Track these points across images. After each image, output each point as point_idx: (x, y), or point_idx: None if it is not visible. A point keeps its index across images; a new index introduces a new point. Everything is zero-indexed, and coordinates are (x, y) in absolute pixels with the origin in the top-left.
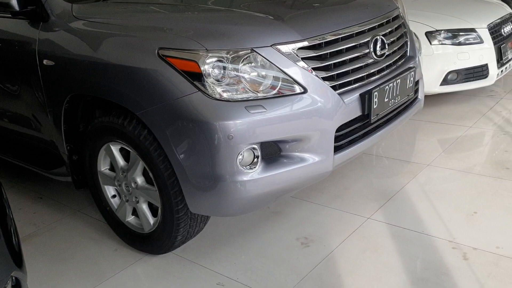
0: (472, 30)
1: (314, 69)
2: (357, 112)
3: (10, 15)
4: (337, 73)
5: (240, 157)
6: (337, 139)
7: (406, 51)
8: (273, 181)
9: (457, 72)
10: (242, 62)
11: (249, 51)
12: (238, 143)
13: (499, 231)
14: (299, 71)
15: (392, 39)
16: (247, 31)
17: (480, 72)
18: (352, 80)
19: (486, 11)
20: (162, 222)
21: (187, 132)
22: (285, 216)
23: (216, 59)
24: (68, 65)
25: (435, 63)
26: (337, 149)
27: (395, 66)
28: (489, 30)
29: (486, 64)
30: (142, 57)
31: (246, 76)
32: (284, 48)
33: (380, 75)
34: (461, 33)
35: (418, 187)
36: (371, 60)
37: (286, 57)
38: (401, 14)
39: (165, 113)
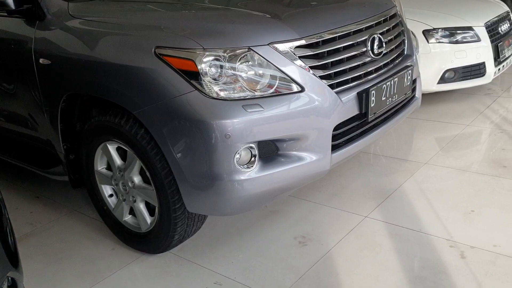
0: (470, 28)
1: (312, 67)
2: (354, 111)
3: (6, 14)
4: (334, 72)
5: (237, 156)
6: (334, 137)
7: (404, 49)
8: (270, 180)
9: (454, 70)
10: (239, 60)
11: (246, 49)
12: (235, 142)
13: (496, 229)
14: (296, 70)
15: (389, 38)
16: (244, 30)
17: (477, 70)
18: (349, 78)
19: (484, 9)
20: (159, 221)
21: (184, 131)
22: (283, 215)
23: (213, 57)
24: (65, 64)
25: (432, 62)
26: (334, 147)
27: (392, 64)
28: (486, 28)
29: (484, 63)
30: (138, 56)
31: (243, 74)
32: (282, 46)
33: (377, 73)
34: (458, 32)
35: (416, 186)
36: (368, 59)
37: (283, 56)
38: (399, 13)
39: (162, 112)
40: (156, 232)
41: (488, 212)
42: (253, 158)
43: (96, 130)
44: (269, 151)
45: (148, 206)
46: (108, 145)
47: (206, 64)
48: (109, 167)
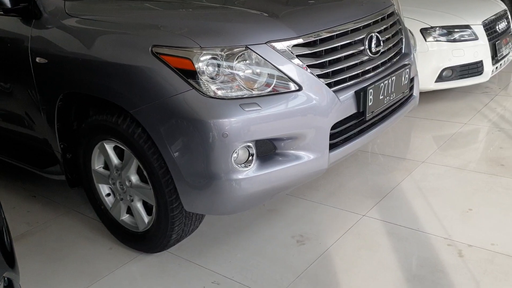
0: (467, 26)
1: (309, 66)
2: (352, 110)
3: (2, 13)
4: (332, 71)
5: (235, 155)
6: (332, 136)
7: (401, 48)
8: (268, 179)
9: (452, 68)
10: (236, 59)
11: (244, 48)
12: (233, 141)
13: (494, 228)
14: (294, 69)
15: (387, 36)
16: (241, 29)
17: (475, 68)
18: (347, 77)
19: (481, 7)
20: (157, 221)
21: (182, 130)
22: (281, 214)
23: (210, 56)
24: (61, 63)
25: (430, 60)
26: (332, 146)
27: (390, 63)
28: (484, 26)
29: (481, 61)
30: (135, 55)
31: (240, 73)
32: (279, 45)
33: (375, 72)
34: (456, 30)
35: (414, 184)
36: (366, 57)
37: (280, 55)
38: (396, 11)
39: (159, 111)
40: (154, 231)
41: (485, 211)
42: (250, 157)
43: (93, 129)
44: (267, 150)
45: (146, 205)
46: (105, 144)
47: (203, 63)
48: (106, 166)
